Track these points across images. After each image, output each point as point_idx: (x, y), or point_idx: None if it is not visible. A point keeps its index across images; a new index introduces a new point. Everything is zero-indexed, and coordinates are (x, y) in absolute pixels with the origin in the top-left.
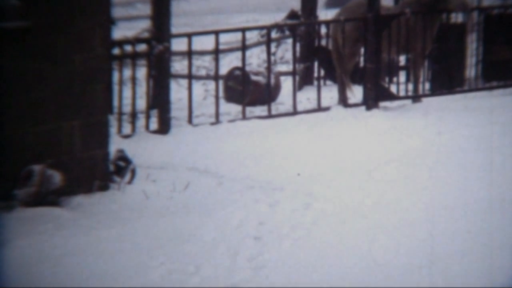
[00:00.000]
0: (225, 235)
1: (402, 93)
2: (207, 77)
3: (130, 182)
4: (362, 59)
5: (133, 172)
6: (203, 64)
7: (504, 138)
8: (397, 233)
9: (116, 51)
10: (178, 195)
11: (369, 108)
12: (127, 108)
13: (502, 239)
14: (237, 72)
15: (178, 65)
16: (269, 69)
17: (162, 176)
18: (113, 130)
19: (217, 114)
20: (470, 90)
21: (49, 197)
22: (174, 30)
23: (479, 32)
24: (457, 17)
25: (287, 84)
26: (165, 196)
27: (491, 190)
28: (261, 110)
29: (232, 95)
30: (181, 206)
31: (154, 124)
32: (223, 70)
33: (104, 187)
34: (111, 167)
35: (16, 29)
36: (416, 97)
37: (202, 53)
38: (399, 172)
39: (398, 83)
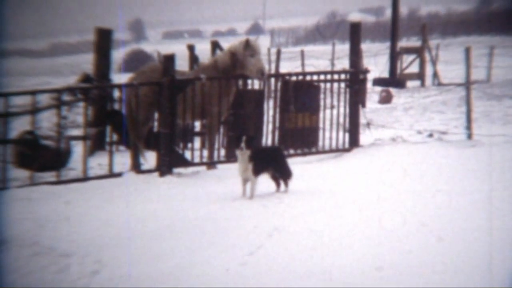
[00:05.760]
0: None
1: (196, 159)
2: None
3: None
4: (156, 124)
5: None
6: None
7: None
8: None
9: None
10: None
11: (162, 174)
12: None
13: None
14: (27, 136)
15: None
16: (59, 133)
17: None
18: None
19: (4, 180)
20: None
21: None
22: None
23: (276, 99)
24: (254, 84)
25: (78, 148)
26: None
27: None
28: (51, 175)
29: (22, 160)
30: None
31: None
32: (13, 134)
33: None
34: None
35: None
36: (210, 164)
37: None
38: (188, 240)
39: (193, 149)
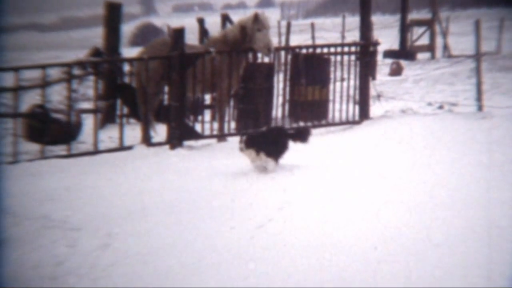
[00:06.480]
0: (22, 276)
1: (207, 132)
2: (6, 114)
3: None
4: (166, 97)
5: None
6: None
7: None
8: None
9: None
10: None
11: (173, 147)
12: None
13: None
14: (38, 110)
15: None
16: (70, 107)
17: None
18: None
19: (15, 153)
20: None
21: None
22: None
23: (286, 72)
24: (263, 57)
25: (89, 122)
26: None
27: None
28: (61, 149)
29: (32, 134)
30: None
31: None
32: (24, 107)
33: None
34: None
35: None
36: (221, 136)
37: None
38: (199, 213)
39: (203, 122)
